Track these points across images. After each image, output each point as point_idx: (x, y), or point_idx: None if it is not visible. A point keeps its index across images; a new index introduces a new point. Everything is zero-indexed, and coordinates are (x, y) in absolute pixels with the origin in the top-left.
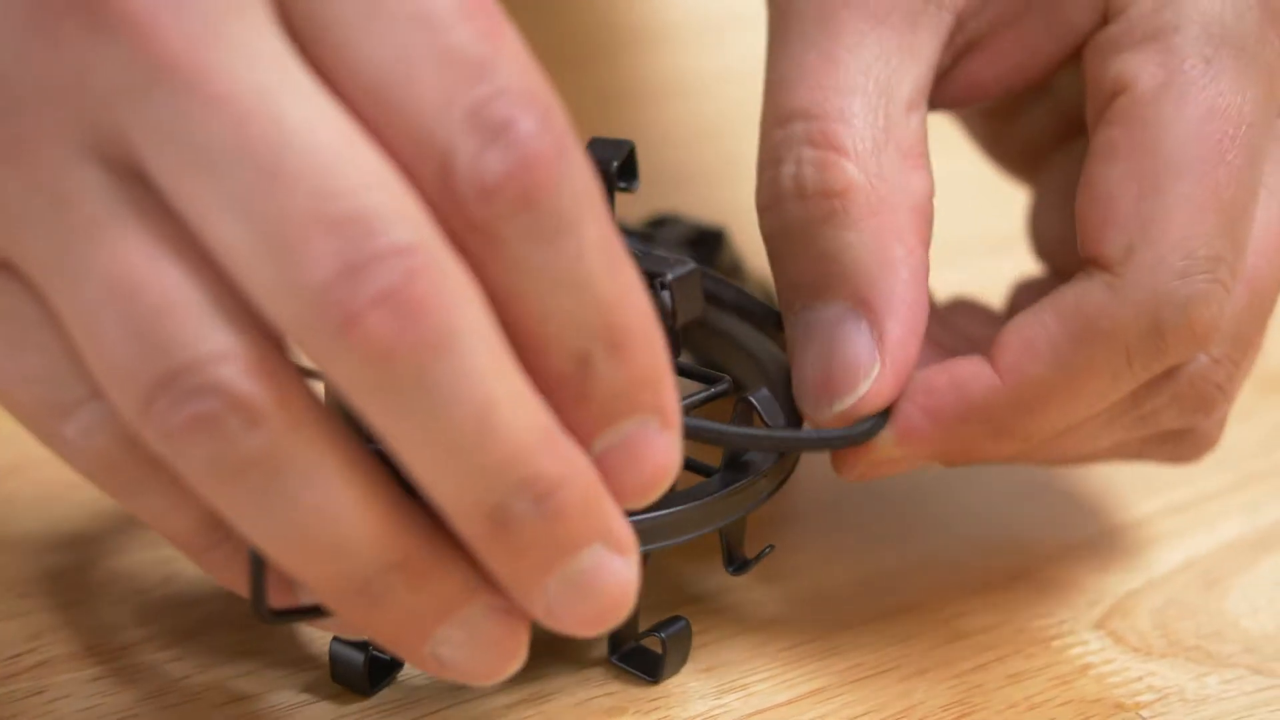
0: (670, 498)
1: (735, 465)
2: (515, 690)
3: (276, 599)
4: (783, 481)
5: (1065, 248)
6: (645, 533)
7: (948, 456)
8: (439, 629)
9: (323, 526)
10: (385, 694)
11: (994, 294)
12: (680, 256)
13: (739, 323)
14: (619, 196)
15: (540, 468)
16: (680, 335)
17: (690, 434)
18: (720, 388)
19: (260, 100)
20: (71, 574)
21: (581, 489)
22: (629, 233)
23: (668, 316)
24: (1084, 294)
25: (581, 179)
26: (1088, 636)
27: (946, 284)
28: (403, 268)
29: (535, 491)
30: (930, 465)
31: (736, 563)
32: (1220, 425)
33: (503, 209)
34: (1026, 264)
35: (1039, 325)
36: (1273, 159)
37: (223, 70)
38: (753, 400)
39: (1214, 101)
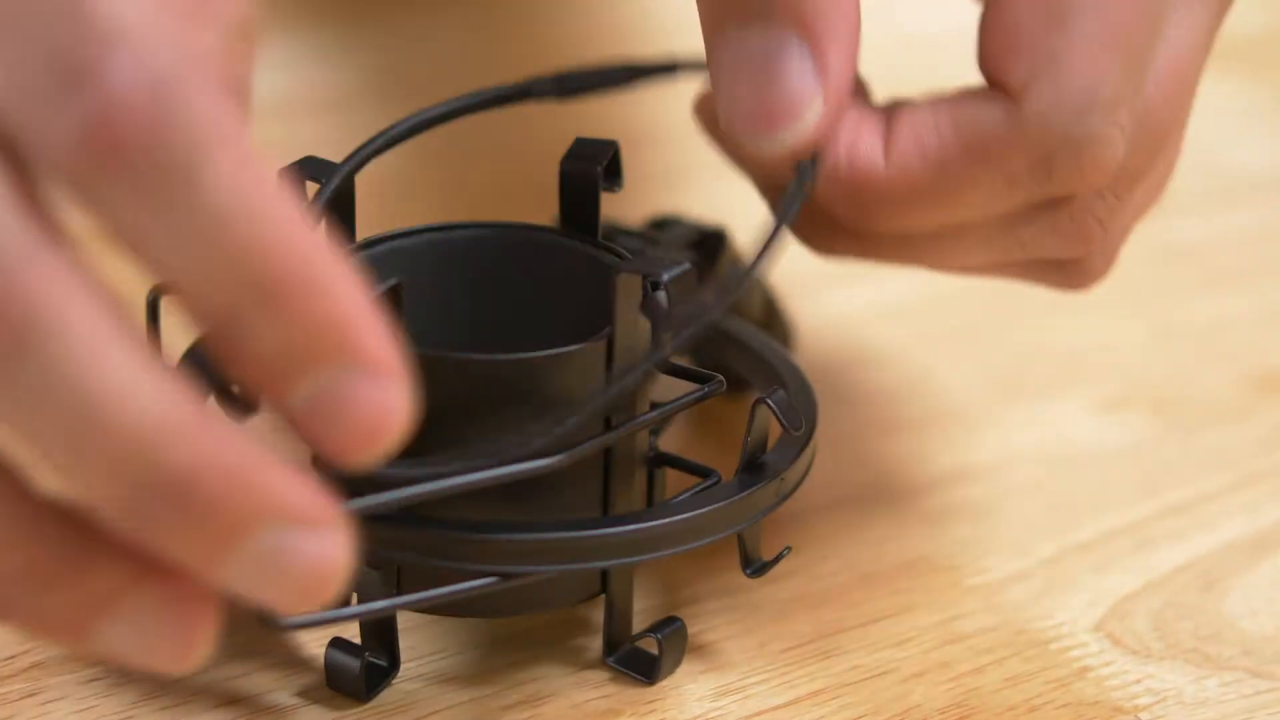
0: (688, 502)
1: (752, 468)
2: (511, 692)
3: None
4: (799, 483)
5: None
6: (664, 537)
7: (812, 236)
8: (97, 624)
9: None
10: (390, 696)
11: (917, 309)
12: (675, 256)
13: (751, 327)
14: (606, 197)
15: (166, 461)
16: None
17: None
18: (712, 387)
19: None
20: None
21: (228, 473)
22: (630, 234)
23: (663, 317)
24: (982, 112)
25: (191, 116)
26: (1086, 639)
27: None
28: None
29: (167, 489)
30: (928, 460)
31: (754, 565)
32: (1107, 258)
33: (90, 163)
34: (954, 278)
35: (933, 128)
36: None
37: None
38: (769, 403)
39: None
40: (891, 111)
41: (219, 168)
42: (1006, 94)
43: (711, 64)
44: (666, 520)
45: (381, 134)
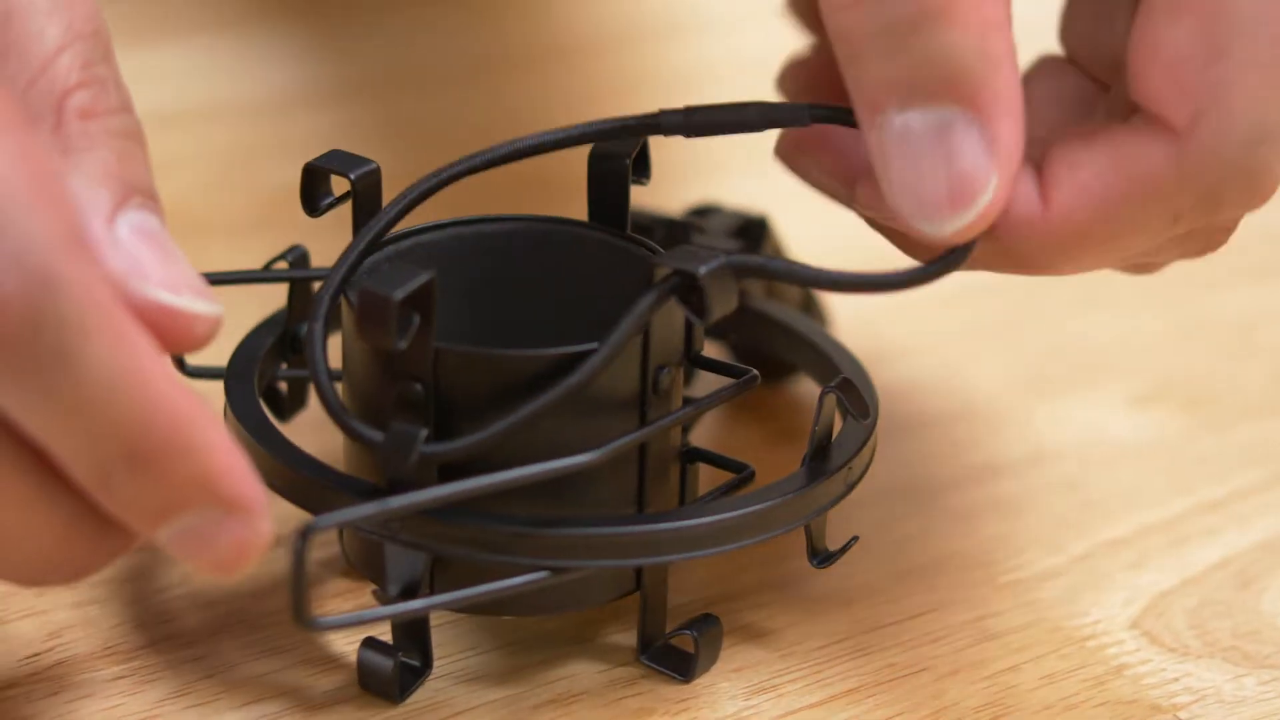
0: (756, 494)
1: (818, 458)
2: (543, 690)
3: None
4: (865, 471)
5: (1097, 52)
6: (732, 530)
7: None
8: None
9: None
10: (420, 694)
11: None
12: (711, 249)
13: (805, 317)
14: (637, 189)
15: (129, 421)
16: (712, 328)
17: (763, 272)
18: (746, 379)
19: None
20: None
21: (179, 446)
22: (672, 222)
23: (701, 312)
24: (1145, 151)
25: (67, 305)
26: (1122, 636)
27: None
28: None
29: (127, 450)
30: (959, 456)
31: (821, 555)
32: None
33: None
34: (969, 274)
35: (1094, 170)
36: None
37: None
38: (837, 392)
39: None
40: (1043, 153)
41: (97, 347)
42: (1169, 129)
43: (872, 146)
44: (737, 513)
45: (477, 154)
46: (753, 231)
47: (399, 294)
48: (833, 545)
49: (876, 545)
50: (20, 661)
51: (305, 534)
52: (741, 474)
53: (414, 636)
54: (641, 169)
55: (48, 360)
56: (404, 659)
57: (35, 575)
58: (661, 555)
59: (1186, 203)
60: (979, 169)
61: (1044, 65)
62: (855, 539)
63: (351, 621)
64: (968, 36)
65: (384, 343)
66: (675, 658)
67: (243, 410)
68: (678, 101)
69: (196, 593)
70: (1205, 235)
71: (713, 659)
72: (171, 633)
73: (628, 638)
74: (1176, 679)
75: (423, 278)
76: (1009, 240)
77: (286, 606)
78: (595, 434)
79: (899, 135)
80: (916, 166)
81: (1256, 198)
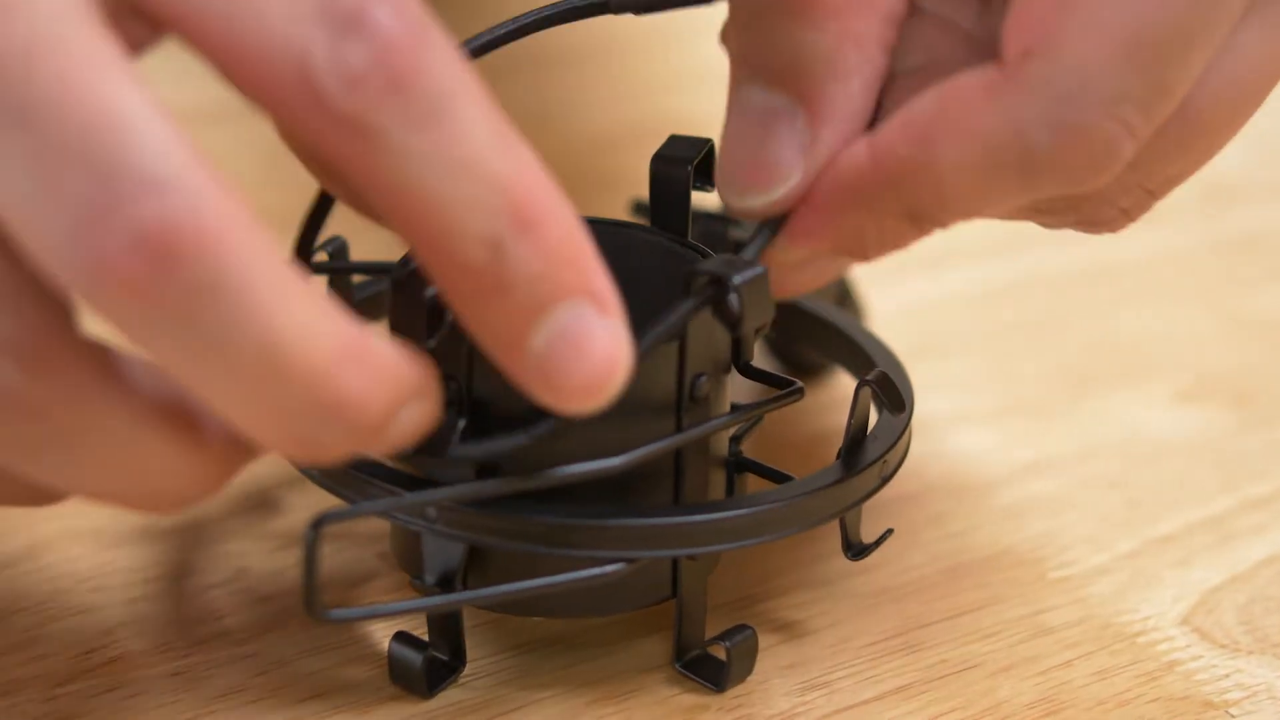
0: (791, 487)
1: (853, 451)
2: (595, 688)
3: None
4: (899, 464)
5: None
6: (768, 522)
7: (847, 249)
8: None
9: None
10: (466, 693)
11: (987, 300)
12: (751, 260)
13: (841, 311)
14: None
15: (341, 390)
16: (749, 339)
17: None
18: (792, 391)
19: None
20: (142, 569)
21: (389, 399)
22: (714, 218)
23: (734, 321)
24: (967, 86)
25: (448, 60)
26: (1173, 633)
27: (940, 287)
28: (155, 207)
29: (341, 418)
30: (1005, 452)
31: (855, 548)
32: (1134, 218)
33: (372, 98)
34: (1023, 268)
35: (920, 106)
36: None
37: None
38: (872, 384)
39: None
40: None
41: (477, 104)
42: (998, 65)
43: (726, 111)
44: (773, 505)
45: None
46: None
47: (430, 291)
48: (914, 536)
49: (925, 542)
50: (75, 658)
51: (317, 525)
52: (784, 483)
53: (446, 632)
54: (705, 176)
55: (435, 107)
56: (434, 653)
57: (161, 495)
58: (698, 546)
59: (1000, 149)
60: (786, 162)
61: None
62: (890, 531)
63: (365, 615)
64: (821, 39)
65: (415, 339)
66: (710, 666)
67: None
68: (678, 104)
69: (248, 589)
70: (1074, 208)
71: (747, 670)
72: (223, 630)
73: (661, 642)
74: (1228, 675)
75: None
76: (856, 203)
77: (335, 604)
78: (629, 440)
79: (738, 104)
80: (738, 137)
81: (1071, 159)
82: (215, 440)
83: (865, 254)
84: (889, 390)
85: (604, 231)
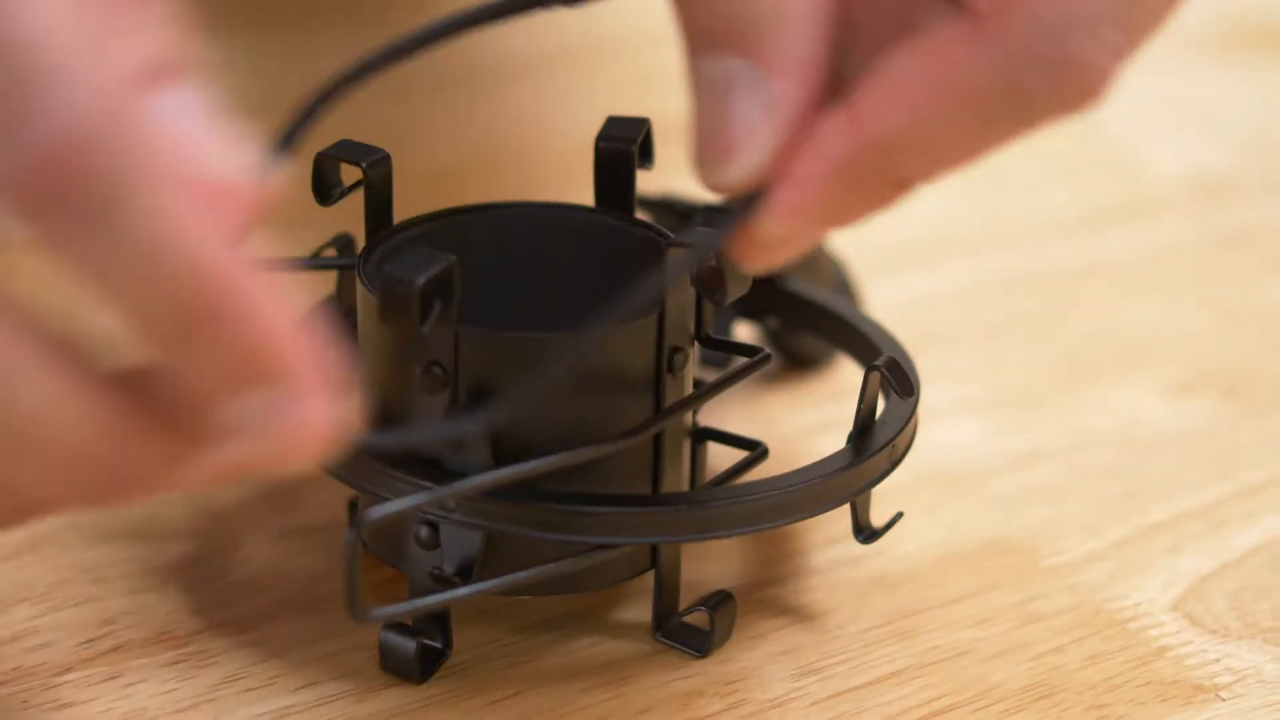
0: (804, 471)
1: (863, 435)
2: (593, 674)
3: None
4: (908, 448)
5: None
6: (781, 507)
7: (833, 220)
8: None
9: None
10: (461, 680)
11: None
12: (728, 232)
13: (844, 299)
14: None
15: (205, 294)
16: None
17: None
18: (758, 358)
19: None
20: (142, 560)
21: (251, 321)
22: (721, 209)
23: (718, 291)
24: (944, 41)
25: (121, 153)
26: (1164, 619)
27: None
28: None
29: (200, 319)
30: (1000, 442)
31: (866, 532)
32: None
33: (30, 205)
34: (1018, 261)
35: (898, 68)
36: None
37: None
38: (880, 368)
39: None
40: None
41: (153, 197)
42: (971, 12)
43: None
44: (787, 489)
45: (387, 45)
46: None
47: (421, 279)
48: (908, 524)
49: (920, 530)
50: (77, 646)
51: (358, 527)
52: (754, 452)
53: (437, 619)
54: (646, 155)
55: (105, 210)
56: (425, 641)
57: (93, 487)
58: (718, 531)
59: (993, 101)
60: (752, 124)
61: None
62: (900, 515)
63: (404, 610)
64: None
65: (407, 328)
66: (690, 634)
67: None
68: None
69: (249, 579)
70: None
71: (726, 634)
72: (226, 619)
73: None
74: (1218, 660)
75: (443, 261)
76: (842, 175)
77: (338, 594)
78: (612, 415)
79: (695, 78)
80: (701, 111)
81: (1069, 95)
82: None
83: (849, 221)
84: (898, 375)
85: (557, 215)
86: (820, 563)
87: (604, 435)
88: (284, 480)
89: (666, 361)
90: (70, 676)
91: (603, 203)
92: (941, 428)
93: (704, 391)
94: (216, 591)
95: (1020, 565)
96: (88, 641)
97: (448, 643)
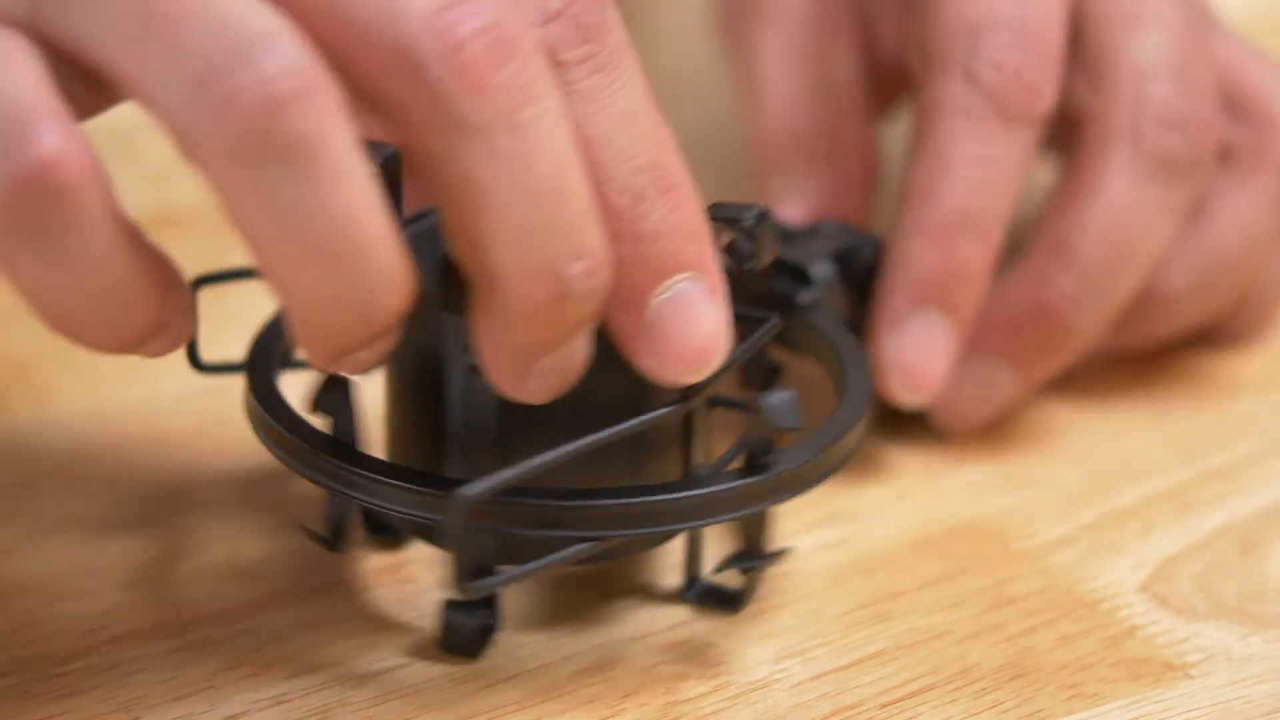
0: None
1: (754, 469)
2: (579, 659)
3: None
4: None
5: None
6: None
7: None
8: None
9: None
10: (450, 666)
11: None
12: (750, 204)
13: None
14: None
15: (591, 240)
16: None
17: None
18: (771, 325)
19: None
20: (137, 553)
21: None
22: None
23: (749, 259)
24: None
25: (619, 23)
26: (1133, 599)
27: None
28: (493, 15)
29: (585, 265)
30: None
31: (748, 560)
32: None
33: (568, 34)
34: None
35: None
36: None
37: None
38: (764, 405)
39: None
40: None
41: (639, 74)
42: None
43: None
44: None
45: None
46: (859, 257)
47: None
48: (880, 511)
49: (893, 515)
50: (77, 637)
51: (460, 504)
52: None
53: (489, 597)
54: None
55: (612, 59)
56: (486, 620)
57: (120, 327)
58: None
59: None
60: (940, 366)
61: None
62: (785, 550)
63: (504, 580)
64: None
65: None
66: (717, 595)
67: (267, 399)
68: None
69: (241, 570)
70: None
71: (752, 594)
72: (220, 609)
73: (656, 610)
74: (1186, 639)
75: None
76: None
77: (328, 584)
78: (637, 392)
79: (900, 325)
80: (903, 352)
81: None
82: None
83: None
84: (784, 412)
85: None
86: (799, 548)
87: (637, 410)
88: (269, 480)
89: None
90: (74, 665)
91: None
92: (912, 416)
93: (732, 360)
94: (209, 585)
95: (992, 549)
96: (87, 632)
97: (498, 619)
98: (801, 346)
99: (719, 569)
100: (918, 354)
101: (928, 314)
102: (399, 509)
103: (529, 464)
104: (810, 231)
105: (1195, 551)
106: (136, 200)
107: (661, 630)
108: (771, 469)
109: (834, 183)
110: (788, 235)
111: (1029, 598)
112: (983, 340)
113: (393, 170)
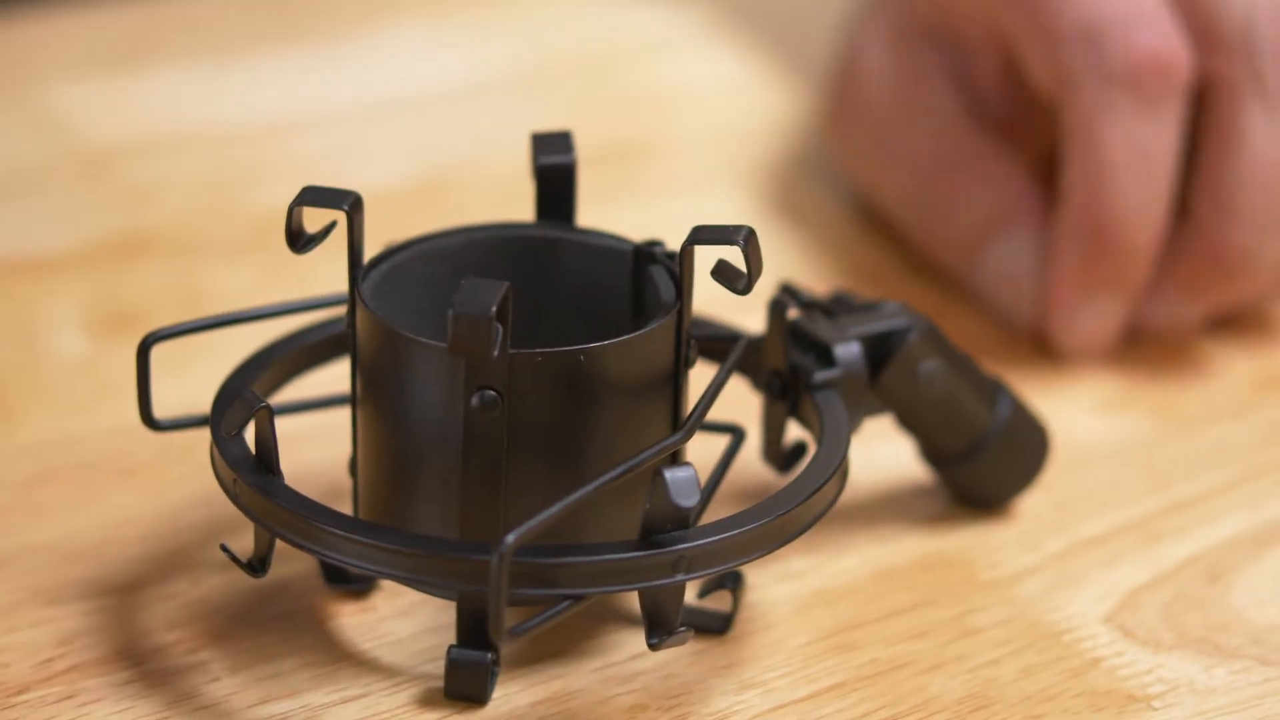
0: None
1: (648, 536)
2: (538, 689)
3: None
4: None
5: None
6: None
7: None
8: None
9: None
10: (412, 697)
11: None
12: (739, 225)
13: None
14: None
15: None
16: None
17: None
18: (742, 343)
19: None
20: (98, 581)
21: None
22: (812, 305)
23: (740, 281)
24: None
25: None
26: (1097, 630)
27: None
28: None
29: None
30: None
31: (658, 634)
32: None
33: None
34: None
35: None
36: None
37: None
38: (665, 476)
39: None
40: None
41: None
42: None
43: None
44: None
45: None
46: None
47: (493, 307)
48: (846, 541)
49: (858, 545)
50: (33, 667)
51: (502, 553)
52: (735, 435)
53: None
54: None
55: None
56: (493, 658)
57: None
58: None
59: None
60: (1110, 329)
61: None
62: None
63: (540, 622)
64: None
65: (481, 356)
66: (702, 617)
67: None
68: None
69: (201, 600)
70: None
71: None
72: (179, 639)
73: (619, 637)
74: (1150, 670)
75: (501, 288)
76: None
77: (288, 614)
78: (636, 411)
79: (1079, 308)
80: (1080, 324)
81: None
82: None
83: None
84: (682, 487)
85: (523, 235)
86: (757, 580)
87: (634, 435)
88: (228, 519)
89: (684, 355)
90: (28, 696)
91: (545, 217)
92: (879, 445)
93: (720, 379)
94: (170, 612)
95: (957, 579)
96: (44, 662)
97: (498, 660)
98: (808, 424)
99: (702, 594)
100: (1091, 336)
101: (1098, 297)
102: (425, 579)
103: (563, 502)
104: (866, 308)
105: (1162, 582)
106: (108, 223)
107: (622, 660)
108: (668, 544)
109: None
110: (832, 309)
111: (994, 628)
112: (1164, 290)
113: (359, 214)
